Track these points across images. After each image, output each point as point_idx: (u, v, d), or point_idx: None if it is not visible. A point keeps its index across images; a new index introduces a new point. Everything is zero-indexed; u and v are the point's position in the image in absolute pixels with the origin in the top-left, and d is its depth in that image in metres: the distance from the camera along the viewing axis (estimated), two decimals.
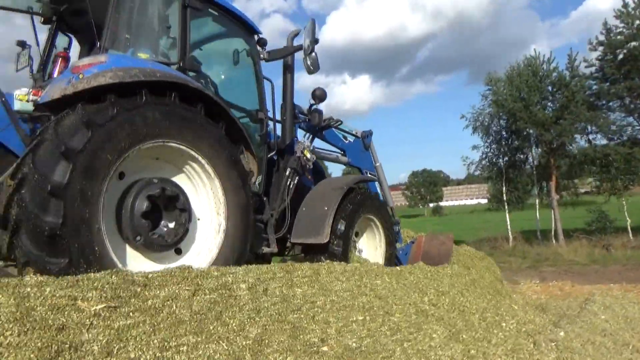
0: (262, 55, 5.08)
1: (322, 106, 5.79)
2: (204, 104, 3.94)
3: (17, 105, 3.84)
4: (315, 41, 4.84)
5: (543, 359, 4.28)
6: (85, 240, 3.06)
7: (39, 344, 2.08)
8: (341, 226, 5.08)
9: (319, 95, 5.64)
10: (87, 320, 2.32)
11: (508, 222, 21.41)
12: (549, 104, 19.77)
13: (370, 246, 5.92)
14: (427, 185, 73.73)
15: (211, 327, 2.72)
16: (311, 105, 5.77)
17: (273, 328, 3.01)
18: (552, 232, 19.69)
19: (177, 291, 2.84)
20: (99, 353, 2.22)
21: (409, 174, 77.84)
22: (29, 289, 2.34)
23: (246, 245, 4.10)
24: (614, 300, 6.88)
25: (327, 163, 7.26)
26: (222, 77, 5.05)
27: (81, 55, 4.77)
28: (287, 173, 5.18)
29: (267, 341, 2.86)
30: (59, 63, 4.52)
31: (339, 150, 6.54)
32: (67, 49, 4.81)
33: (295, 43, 5.15)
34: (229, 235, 4.00)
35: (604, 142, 18.87)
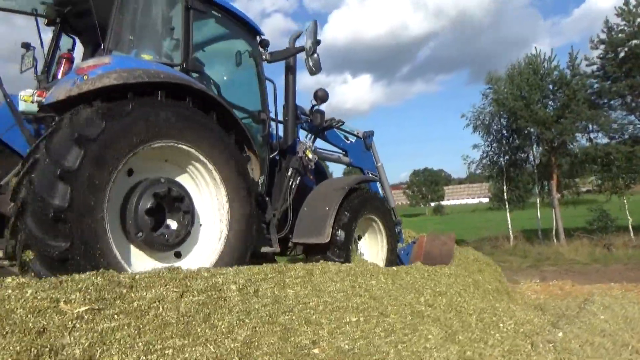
0: (264, 57, 5.13)
1: (323, 107, 5.86)
2: (207, 104, 3.97)
3: (21, 106, 3.91)
4: (317, 42, 4.88)
5: None
6: (87, 227, 3.11)
7: (18, 348, 2.03)
8: (342, 226, 5.10)
9: (321, 96, 5.68)
10: (69, 322, 2.27)
11: (509, 221, 21.34)
12: (550, 102, 19.67)
13: (372, 246, 5.93)
14: (429, 184, 73.54)
15: (198, 330, 2.67)
16: (313, 106, 5.81)
17: (263, 330, 2.95)
18: (553, 231, 19.61)
19: (164, 292, 2.78)
20: (81, 357, 2.16)
21: (410, 173, 77.79)
22: (9, 291, 2.30)
23: (246, 255, 4.13)
24: (613, 300, 6.80)
25: (328, 163, 7.30)
26: (225, 78, 5.09)
27: (85, 57, 4.84)
28: (289, 173, 5.23)
29: (256, 343, 2.81)
30: (63, 64, 4.59)
31: (340, 151, 6.61)
32: (71, 50, 4.87)
33: (298, 44, 5.18)
34: (230, 243, 4.03)
35: (605, 140, 18.80)
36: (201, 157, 3.87)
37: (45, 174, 3.05)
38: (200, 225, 4.05)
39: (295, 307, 3.37)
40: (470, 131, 21.38)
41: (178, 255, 3.92)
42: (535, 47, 20.06)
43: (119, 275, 2.75)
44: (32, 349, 2.06)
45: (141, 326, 2.48)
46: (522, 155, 21.39)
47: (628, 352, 4.90)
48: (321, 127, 5.96)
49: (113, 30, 3.87)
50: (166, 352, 2.41)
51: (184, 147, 3.75)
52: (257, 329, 2.93)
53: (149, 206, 3.53)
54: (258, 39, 5.11)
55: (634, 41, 17.05)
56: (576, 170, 19.69)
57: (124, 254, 3.44)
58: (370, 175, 6.75)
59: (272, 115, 5.21)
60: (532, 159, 20.92)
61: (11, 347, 2.02)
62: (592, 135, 19.21)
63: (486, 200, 58.18)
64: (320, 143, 6.17)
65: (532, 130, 19.44)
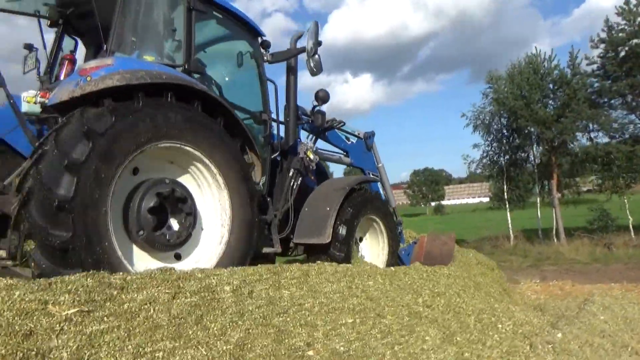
0: (265, 58, 5.14)
1: (324, 107, 5.86)
2: (208, 105, 3.97)
3: (24, 107, 3.94)
4: (318, 43, 4.90)
5: None
6: (90, 220, 3.14)
7: (3, 351, 1.99)
8: (343, 226, 5.12)
9: (322, 96, 5.70)
10: (57, 325, 2.23)
11: (509, 221, 21.28)
12: (550, 102, 19.58)
13: (373, 246, 5.93)
14: (429, 183, 73.44)
15: (190, 332, 2.63)
16: (314, 106, 5.81)
17: (256, 332, 2.91)
18: (554, 231, 19.52)
19: (156, 294, 2.75)
20: None
21: (411, 172, 77.70)
22: None
23: (246, 259, 4.12)
24: (613, 301, 6.76)
25: (328, 164, 7.30)
26: (226, 79, 5.11)
27: (87, 58, 4.85)
28: (291, 174, 5.25)
29: (249, 346, 2.77)
30: (66, 65, 4.63)
31: (341, 151, 6.63)
32: (74, 51, 4.89)
33: (299, 45, 5.19)
34: (230, 247, 4.03)
35: (606, 140, 18.69)
36: (205, 160, 3.90)
37: (52, 165, 3.11)
38: (202, 229, 4.06)
39: (290, 308, 3.33)
40: (471, 131, 21.30)
41: (178, 258, 3.93)
42: (536, 47, 20.00)
43: (110, 277, 2.71)
44: (19, 352, 2.02)
45: (131, 328, 2.44)
46: (523, 154, 21.30)
47: (627, 353, 4.85)
48: (322, 128, 5.98)
49: (115, 31, 3.89)
50: (156, 354, 2.37)
51: (188, 148, 3.78)
52: (250, 330, 2.89)
53: (152, 205, 3.56)
54: (259, 39, 5.14)
55: (635, 40, 16.98)
56: (576, 170, 19.62)
57: (124, 251, 3.44)
58: (371, 176, 6.75)
59: (274, 116, 5.23)
60: (533, 158, 20.84)
61: None
62: (592, 135, 19.14)
63: (486, 199, 58.10)
64: (321, 144, 6.22)
65: (532, 129, 19.35)
